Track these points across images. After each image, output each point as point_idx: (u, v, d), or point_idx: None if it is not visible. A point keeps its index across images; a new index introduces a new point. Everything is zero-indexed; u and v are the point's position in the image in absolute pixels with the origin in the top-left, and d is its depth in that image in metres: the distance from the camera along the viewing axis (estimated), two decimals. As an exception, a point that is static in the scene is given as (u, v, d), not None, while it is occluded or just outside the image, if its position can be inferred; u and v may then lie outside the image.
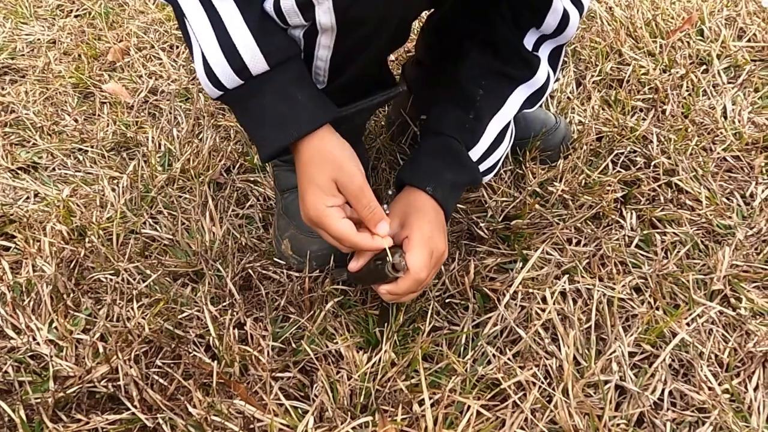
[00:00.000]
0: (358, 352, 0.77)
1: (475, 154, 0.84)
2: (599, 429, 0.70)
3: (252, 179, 1.06)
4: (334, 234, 0.69)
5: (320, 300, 0.85)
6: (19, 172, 1.11)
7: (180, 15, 0.66)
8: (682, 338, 0.78)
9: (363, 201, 0.68)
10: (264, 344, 0.79)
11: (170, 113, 1.24)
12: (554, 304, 0.82)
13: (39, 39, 1.51)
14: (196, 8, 0.64)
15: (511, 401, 0.73)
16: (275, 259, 0.91)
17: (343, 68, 0.71)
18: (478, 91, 0.84)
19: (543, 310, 0.82)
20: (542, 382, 0.74)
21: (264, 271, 0.89)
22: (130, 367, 0.75)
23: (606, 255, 0.91)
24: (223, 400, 0.73)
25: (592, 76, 1.28)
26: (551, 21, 0.81)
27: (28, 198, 1.04)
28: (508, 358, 0.77)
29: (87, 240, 0.94)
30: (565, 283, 0.86)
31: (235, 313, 0.82)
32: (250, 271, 0.89)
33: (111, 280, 0.88)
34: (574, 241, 0.94)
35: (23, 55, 1.45)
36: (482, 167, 0.86)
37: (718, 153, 1.08)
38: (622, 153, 1.09)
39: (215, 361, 0.76)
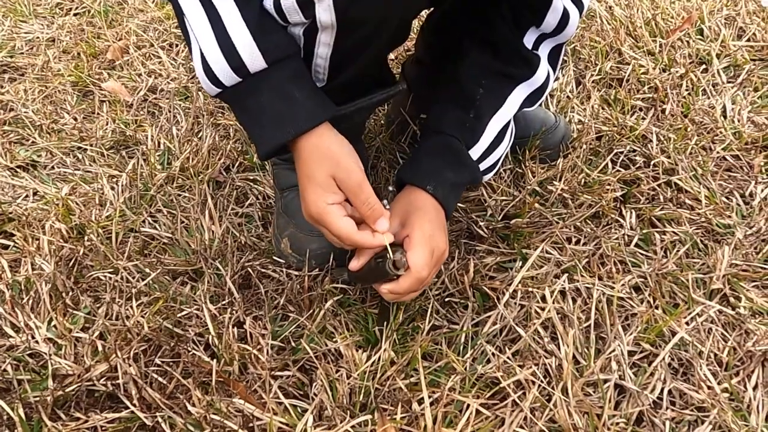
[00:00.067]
0: (357, 350, 0.77)
1: (475, 153, 0.84)
2: (598, 428, 0.70)
3: (251, 178, 1.06)
4: (334, 232, 0.69)
5: (320, 299, 0.85)
6: (18, 170, 1.10)
7: (179, 13, 0.66)
8: (682, 337, 0.78)
9: (361, 197, 0.68)
10: (263, 343, 0.79)
11: (169, 112, 1.24)
12: (554, 303, 0.82)
13: (38, 37, 1.51)
14: (194, 6, 0.64)
15: (511, 400, 0.73)
16: (274, 258, 0.91)
17: (343, 66, 0.71)
18: (478, 90, 0.84)
19: (542, 309, 0.82)
20: (541, 381, 0.74)
21: (263, 270, 0.89)
22: (129, 365, 0.75)
23: (605, 254, 0.91)
24: (223, 398, 0.73)
25: (592, 75, 1.28)
26: (551, 20, 0.81)
27: (27, 196, 1.04)
28: (508, 357, 0.77)
29: (86, 238, 0.94)
30: (564, 282, 0.86)
31: (234, 312, 0.82)
32: (249, 269, 0.89)
33: (110, 278, 0.88)
34: (574, 240, 0.94)
35: (22, 53, 1.45)
36: (482, 166, 0.86)
37: (718, 152, 1.08)
38: (621, 152, 1.09)
39: (214, 360, 0.76)
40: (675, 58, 1.32)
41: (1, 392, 0.74)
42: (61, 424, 0.71)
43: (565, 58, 1.34)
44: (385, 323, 0.80)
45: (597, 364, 0.75)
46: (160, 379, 0.75)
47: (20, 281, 0.87)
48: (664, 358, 0.76)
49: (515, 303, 0.84)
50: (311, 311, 0.83)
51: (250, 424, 0.71)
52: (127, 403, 0.72)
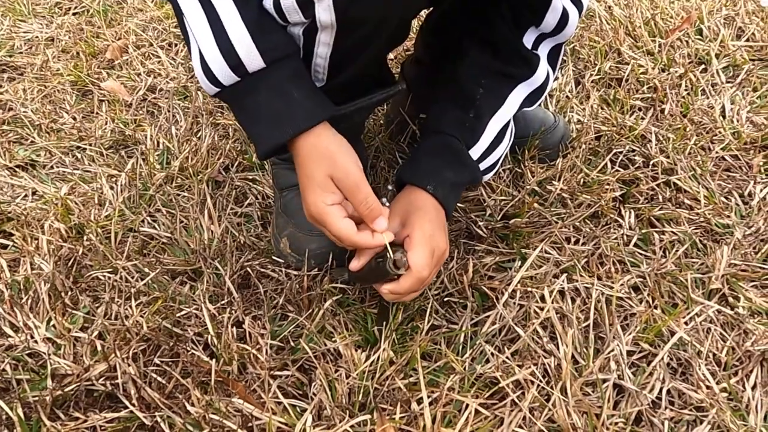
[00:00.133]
0: (356, 350, 0.77)
1: (475, 152, 0.84)
2: (597, 428, 0.70)
3: (251, 177, 1.06)
4: (334, 233, 0.69)
5: (319, 298, 0.85)
6: (17, 169, 1.10)
7: (178, 12, 0.66)
8: (681, 337, 0.78)
9: (359, 197, 0.68)
10: (262, 342, 0.79)
11: (169, 111, 1.24)
12: (553, 302, 0.82)
13: (37, 36, 1.50)
14: (193, 5, 0.64)
15: (510, 400, 0.73)
16: (274, 258, 0.91)
17: (343, 66, 0.71)
18: (478, 90, 0.84)
19: (541, 309, 0.82)
20: (540, 381, 0.74)
21: (262, 270, 0.89)
22: (129, 365, 0.75)
23: (604, 254, 0.91)
24: (222, 398, 0.73)
25: (591, 75, 1.28)
26: (550, 20, 0.81)
27: (26, 196, 1.04)
28: (507, 357, 0.77)
29: (85, 238, 0.94)
30: (563, 281, 0.86)
31: (233, 312, 0.82)
32: (248, 269, 0.89)
33: (109, 278, 0.88)
34: (573, 239, 0.94)
35: (21, 52, 1.45)
36: (482, 166, 0.86)
37: (717, 152, 1.08)
38: (620, 152, 1.09)
39: (213, 360, 0.76)
40: (674, 58, 1.32)
41: (0, 392, 0.74)
42: (60, 423, 0.71)
43: (565, 57, 1.34)
44: (384, 323, 0.80)
45: (596, 364, 0.75)
46: (159, 378, 0.75)
47: (19, 281, 0.87)
48: (662, 358, 0.76)
49: (514, 303, 0.84)
50: (310, 311, 0.83)
51: (249, 424, 0.71)
52: (126, 402, 0.72)
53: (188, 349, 0.78)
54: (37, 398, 0.72)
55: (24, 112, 1.23)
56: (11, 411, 0.70)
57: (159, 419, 0.71)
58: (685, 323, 0.81)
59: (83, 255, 0.91)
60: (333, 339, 0.80)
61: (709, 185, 1.02)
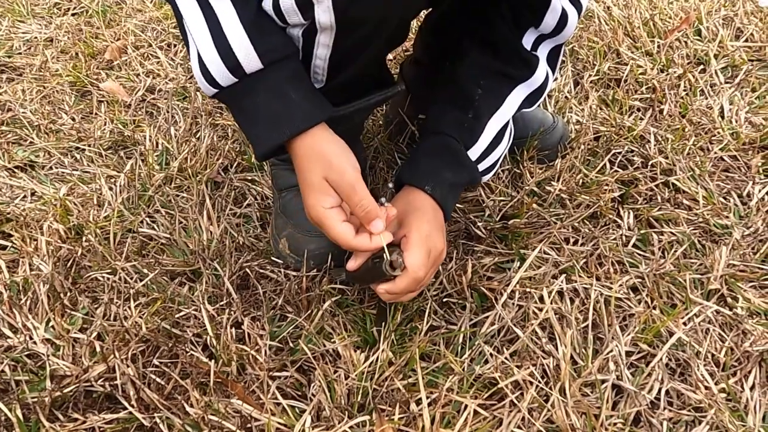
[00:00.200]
0: (355, 351, 0.77)
1: (473, 153, 0.84)
2: (596, 428, 0.70)
3: (250, 178, 1.06)
4: (332, 237, 0.69)
5: (318, 299, 0.85)
6: (15, 170, 1.10)
7: (177, 13, 0.66)
8: (679, 338, 0.78)
9: (354, 199, 0.68)
10: (261, 343, 0.79)
11: (168, 112, 1.24)
12: (551, 303, 0.82)
13: (36, 37, 1.50)
14: (192, 6, 0.64)
15: (509, 400, 0.73)
16: (273, 258, 0.91)
17: (342, 67, 0.71)
18: (477, 91, 0.84)
19: (540, 310, 0.82)
20: (539, 382, 0.74)
21: (261, 270, 0.89)
22: (127, 366, 0.75)
23: (603, 254, 0.91)
24: (221, 399, 0.73)
25: (590, 75, 1.28)
26: (550, 20, 0.81)
27: (24, 197, 1.04)
28: (506, 358, 0.77)
29: (84, 239, 0.94)
30: (562, 282, 0.86)
31: (232, 313, 0.82)
32: (247, 270, 0.89)
33: (108, 279, 0.88)
34: (572, 240, 0.94)
35: (20, 53, 1.45)
36: (481, 167, 0.86)
37: (716, 153, 1.08)
38: (619, 152, 1.09)
39: (212, 361, 0.76)
40: (673, 59, 1.32)
41: (-2, 393, 0.74)
42: (59, 424, 0.71)
43: (564, 58, 1.34)
44: (383, 324, 0.81)
45: (595, 365, 0.75)
46: (158, 379, 0.75)
47: (18, 282, 0.87)
48: (661, 359, 0.76)
49: (513, 303, 0.84)
50: (309, 312, 0.83)
51: (248, 425, 0.71)
52: (125, 403, 0.72)
53: (187, 350, 0.78)
54: (36, 399, 0.72)
55: (23, 112, 1.23)
56: (10, 412, 0.70)
57: (158, 420, 0.71)
58: (684, 324, 0.81)
59: (82, 256, 0.91)
60: (332, 340, 0.80)
61: (708, 186, 1.02)
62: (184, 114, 1.22)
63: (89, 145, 1.15)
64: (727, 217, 0.96)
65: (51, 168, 1.11)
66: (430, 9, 0.99)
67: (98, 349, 0.77)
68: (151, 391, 0.73)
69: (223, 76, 0.65)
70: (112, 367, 0.75)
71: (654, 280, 0.87)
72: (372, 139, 1.13)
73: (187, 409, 0.71)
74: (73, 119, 1.23)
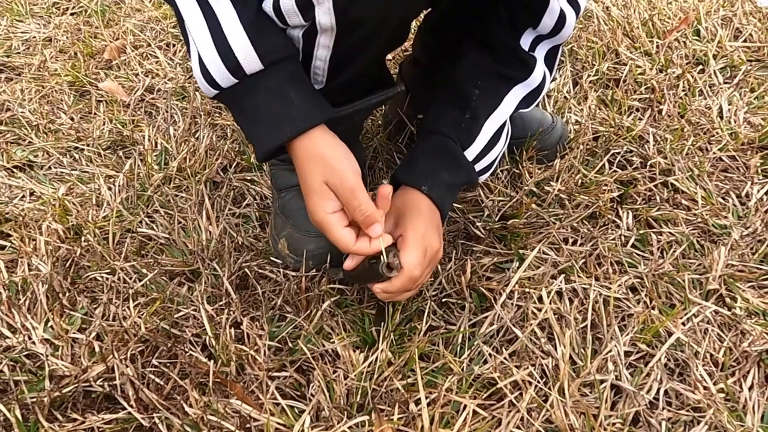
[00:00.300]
0: (354, 351, 0.77)
1: (470, 153, 0.84)
2: (595, 428, 0.70)
3: (249, 178, 1.06)
4: (333, 242, 0.70)
5: (317, 299, 0.85)
6: (14, 170, 1.10)
7: (178, 14, 0.66)
8: (678, 338, 0.78)
9: (354, 203, 0.67)
10: (260, 343, 0.79)
11: (167, 112, 1.23)
12: (550, 303, 0.82)
13: (35, 37, 1.50)
14: (192, 7, 0.64)
15: (508, 401, 0.73)
16: (272, 259, 0.91)
17: (343, 68, 0.71)
18: (474, 91, 0.84)
19: (539, 310, 0.82)
20: (538, 382, 0.74)
21: (260, 271, 0.89)
22: (126, 366, 0.75)
23: (602, 254, 0.91)
24: (220, 399, 0.73)
25: (589, 75, 1.29)
26: (548, 21, 0.81)
27: (23, 197, 1.04)
28: (505, 358, 0.77)
29: (83, 239, 0.94)
30: (561, 282, 0.86)
31: (231, 313, 0.82)
32: (246, 270, 0.89)
33: (107, 279, 0.88)
34: (571, 240, 0.94)
35: (19, 53, 1.45)
36: (478, 167, 0.86)
37: (714, 153, 1.08)
38: (618, 153, 1.09)
39: (212, 361, 0.76)
40: (672, 59, 1.32)
41: (-3, 393, 0.74)
42: (57, 425, 0.71)
43: (562, 58, 1.34)
44: (382, 324, 0.81)
45: (593, 365, 0.75)
46: (157, 380, 0.75)
47: (17, 282, 0.87)
48: (660, 359, 0.76)
49: (512, 304, 0.84)
50: (308, 312, 0.83)
51: (247, 425, 0.71)
52: (124, 404, 0.72)
53: (186, 350, 0.78)
54: (34, 399, 0.72)
55: (21, 112, 1.23)
56: (9, 412, 0.70)
57: (157, 420, 0.71)
58: (683, 324, 0.81)
59: (81, 256, 0.91)
60: (331, 340, 0.80)
61: (707, 186, 1.02)
62: (183, 114, 1.22)
63: (88, 145, 1.15)
64: (725, 217, 0.97)
65: (50, 168, 1.11)
66: (429, 9, 0.99)
67: (97, 349, 0.77)
68: (150, 391, 0.73)
69: (224, 76, 0.65)
70: (111, 368, 0.75)
71: (653, 280, 0.87)
72: (371, 139, 1.13)
73: (186, 409, 0.71)
74: (72, 119, 1.22)
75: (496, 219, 0.97)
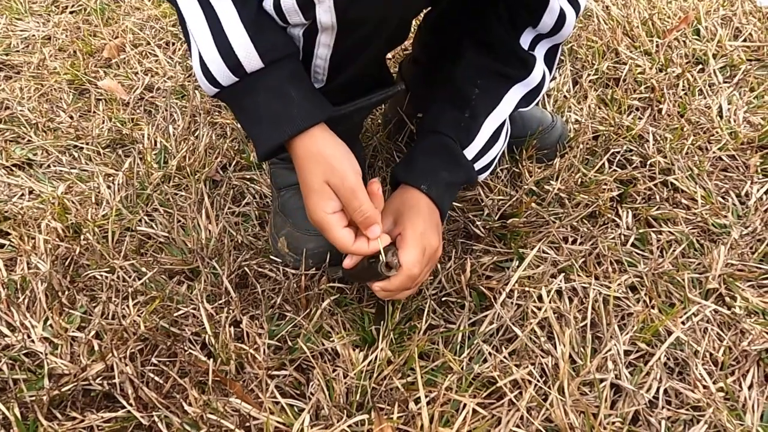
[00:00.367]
0: (354, 350, 0.77)
1: (470, 152, 0.84)
2: (594, 427, 0.70)
3: (248, 177, 1.06)
4: (332, 242, 0.70)
5: (316, 298, 0.85)
6: (13, 169, 1.10)
7: (179, 13, 0.66)
8: (677, 337, 0.78)
9: (354, 204, 0.67)
10: (260, 342, 0.78)
11: (166, 110, 1.23)
12: (550, 302, 0.82)
13: (34, 35, 1.50)
14: (193, 6, 0.64)
15: (507, 399, 0.73)
16: (271, 257, 0.91)
17: (343, 67, 0.71)
18: (474, 90, 0.84)
19: (539, 309, 0.82)
20: (538, 381, 0.75)
21: (260, 269, 0.89)
22: (126, 365, 0.75)
23: (602, 254, 0.91)
24: (219, 398, 0.73)
25: (589, 74, 1.29)
26: (548, 20, 0.81)
27: (22, 195, 1.04)
28: (504, 357, 0.77)
29: (82, 237, 0.94)
30: (561, 281, 0.86)
31: (231, 311, 0.82)
32: (246, 268, 0.89)
33: (106, 277, 0.87)
34: (570, 239, 0.94)
35: (18, 51, 1.45)
36: (477, 166, 0.86)
37: (714, 152, 1.08)
38: (618, 152, 1.09)
39: (211, 359, 0.76)
40: (672, 58, 1.33)
41: (-4, 392, 0.74)
42: (57, 423, 0.71)
43: (562, 57, 1.34)
44: (382, 323, 0.81)
45: (593, 364, 0.75)
46: (156, 378, 0.75)
47: (16, 280, 0.87)
48: (659, 358, 0.76)
49: (512, 302, 0.84)
50: (308, 310, 0.83)
51: (247, 424, 0.71)
52: (124, 402, 0.72)
53: (186, 348, 0.78)
54: (33, 398, 0.72)
55: (21, 110, 1.23)
56: (8, 411, 0.70)
57: (156, 419, 0.71)
58: (682, 323, 0.81)
59: (80, 254, 0.91)
60: (331, 339, 0.80)
61: (707, 185, 1.02)
62: (183, 112, 1.22)
63: (87, 144, 1.15)
64: (725, 216, 0.97)
65: (49, 166, 1.11)
66: (429, 8, 0.99)
67: (96, 347, 0.77)
68: (150, 389, 0.73)
69: (224, 75, 0.65)
70: (111, 366, 0.75)
71: (652, 280, 0.87)
72: (371, 137, 1.13)
73: (186, 407, 0.71)
74: (71, 117, 1.22)
75: (496, 218, 0.97)
